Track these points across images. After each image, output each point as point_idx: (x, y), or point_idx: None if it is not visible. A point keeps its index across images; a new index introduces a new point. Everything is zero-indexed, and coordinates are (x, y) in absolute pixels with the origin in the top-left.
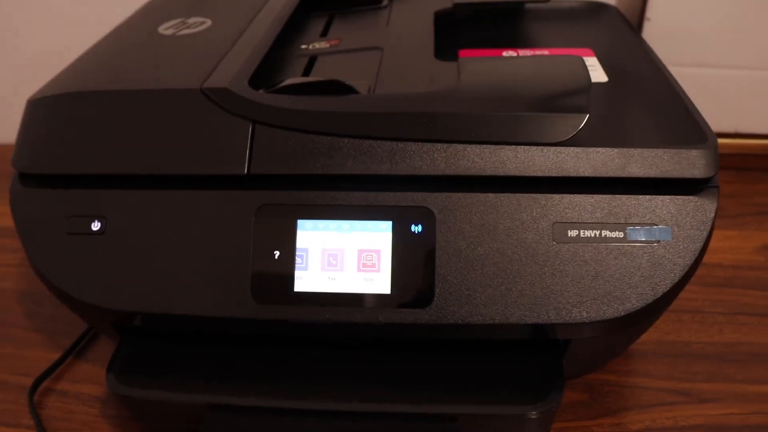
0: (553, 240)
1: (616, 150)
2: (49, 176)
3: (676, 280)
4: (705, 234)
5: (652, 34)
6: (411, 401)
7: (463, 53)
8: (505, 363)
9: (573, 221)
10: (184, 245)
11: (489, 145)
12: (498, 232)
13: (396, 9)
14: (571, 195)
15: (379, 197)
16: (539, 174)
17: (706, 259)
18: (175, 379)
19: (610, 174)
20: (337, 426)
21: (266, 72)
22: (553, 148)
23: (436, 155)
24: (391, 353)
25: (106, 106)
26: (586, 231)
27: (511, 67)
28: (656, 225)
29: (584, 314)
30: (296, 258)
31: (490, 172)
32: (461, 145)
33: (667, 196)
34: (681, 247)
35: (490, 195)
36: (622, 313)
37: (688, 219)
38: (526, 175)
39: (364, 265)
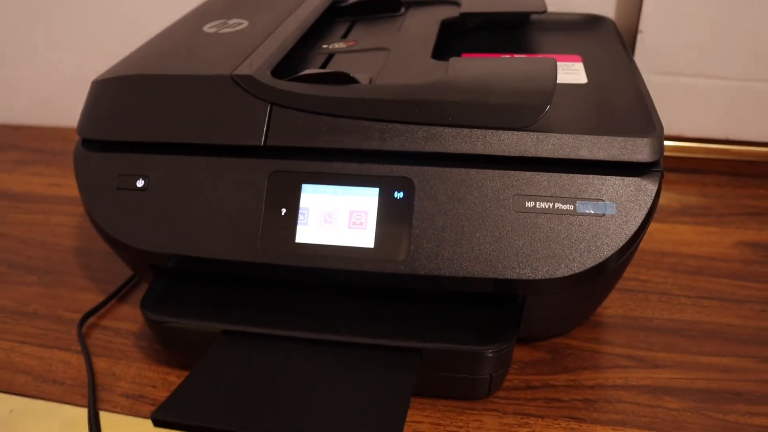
0: (513, 209)
1: (571, 135)
2: (106, 142)
3: (618, 248)
4: (645, 211)
5: (644, 45)
6: (385, 336)
7: (466, 56)
8: (469, 313)
9: (531, 194)
10: (210, 201)
11: (463, 128)
12: (467, 201)
13: (409, 16)
14: (530, 172)
15: (369, 168)
16: (504, 153)
17: (683, 249)
18: (195, 310)
19: (565, 156)
20: (322, 352)
21: (291, 65)
22: (517, 133)
23: (418, 135)
24: (373, 300)
25: (154, 87)
26: (541, 203)
27: (492, 66)
28: (603, 201)
29: (537, 272)
30: (299, 215)
31: (462, 150)
32: (440, 127)
33: (615, 177)
34: (623, 221)
35: (462, 170)
36: (568, 273)
37: (631, 197)
38: (493, 154)
39: (354, 223)
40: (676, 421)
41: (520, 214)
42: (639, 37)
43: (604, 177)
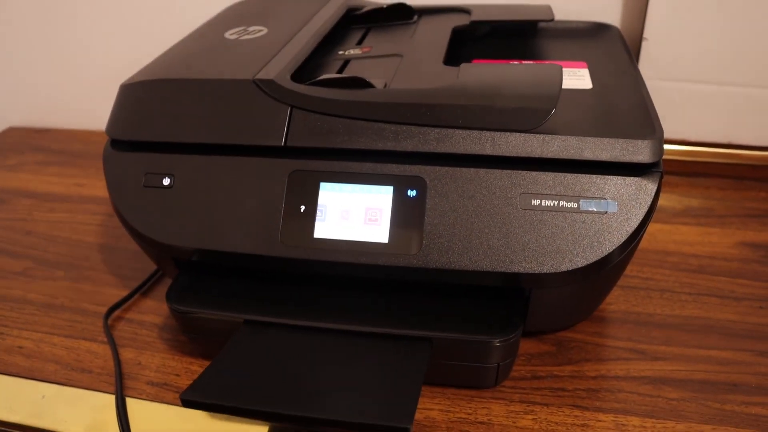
0: (520, 207)
1: (575, 138)
2: (133, 142)
3: (619, 244)
4: (645, 209)
5: (649, 52)
6: (398, 326)
7: (476, 62)
8: (478, 306)
9: (537, 192)
10: (233, 198)
11: (473, 130)
12: (476, 199)
13: (422, 24)
14: (537, 172)
15: (384, 167)
16: (511, 154)
17: (685, 249)
18: (218, 302)
19: (569, 156)
20: (338, 341)
21: (309, 69)
22: (524, 135)
23: (430, 136)
24: (386, 292)
25: (180, 90)
26: (547, 201)
27: (500, 71)
28: (605, 199)
29: (543, 267)
30: (317, 212)
31: (472, 151)
32: (451, 129)
33: (617, 177)
34: (625, 218)
35: (472, 169)
36: (572, 268)
37: (632, 196)
38: (501, 154)
39: (369, 219)
40: (675, 410)
41: (526, 211)
42: (644, 44)
43: (606, 177)
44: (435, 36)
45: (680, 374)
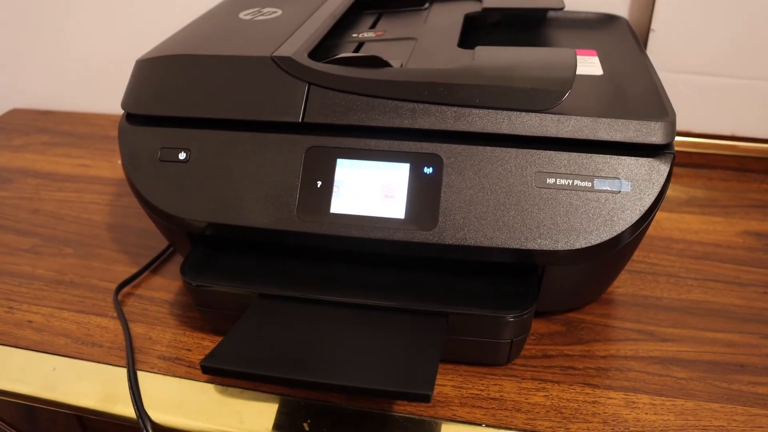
0: (535, 185)
1: (590, 118)
2: (149, 117)
3: (632, 223)
4: (658, 189)
5: (656, 43)
6: (414, 300)
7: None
8: (492, 283)
9: (552, 171)
10: (249, 173)
11: (489, 110)
12: (492, 177)
13: (434, 10)
14: (552, 151)
15: (401, 145)
16: (527, 133)
17: (690, 237)
18: (233, 275)
19: (584, 137)
20: (354, 315)
21: (323, 50)
22: (539, 114)
23: (447, 115)
24: (402, 268)
25: (197, 66)
26: (561, 179)
27: (516, 54)
28: (619, 179)
29: (557, 244)
30: (334, 187)
31: (489, 129)
32: (467, 108)
33: (630, 157)
34: (638, 197)
35: (488, 148)
36: (586, 245)
37: (645, 175)
38: (517, 134)
39: (386, 195)
40: (684, 388)
41: (541, 189)
42: (651, 35)
43: (620, 157)
44: (448, 21)
45: (688, 355)
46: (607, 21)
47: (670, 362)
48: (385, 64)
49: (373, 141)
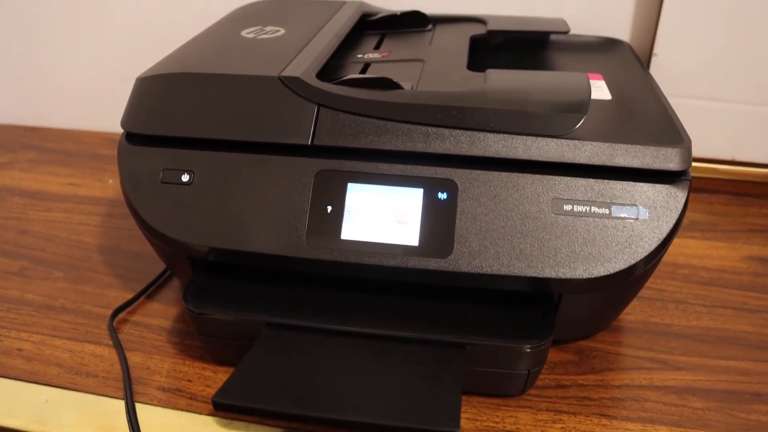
0: (552, 212)
1: (607, 144)
2: (150, 136)
3: (651, 250)
4: (676, 216)
5: (658, 68)
6: (429, 330)
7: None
8: (507, 311)
9: (568, 198)
10: (256, 197)
11: (504, 134)
12: (507, 203)
13: (438, 32)
14: (569, 177)
15: (414, 169)
16: (544, 159)
17: (694, 262)
18: (238, 303)
19: (601, 162)
20: (368, 346)
21: (329, 71)
22: (556, 140)
23: (462, 139)
24: (414, 296)
25: (202, 85)
26: (578, 206)
27: (528, 77)
28: (636, 205)
29: (573, 272)
30: (345, 212)
31: (504, 155)
32: (482, 132)
33: (647, 184)
34: (655, 225)
35: (504, 173)
36: (605, 273)
37: (662, 202)
38: (533, 159)
39: (398, 221)
40: (701, 419)
41: (558, 216)
42: (653, 60)
43: (637, 183)
44: (454, 43)
45: (703, 384)
46: (609, 45)
47: (686, 392)
48: (396, 86)
49: (385, 165)
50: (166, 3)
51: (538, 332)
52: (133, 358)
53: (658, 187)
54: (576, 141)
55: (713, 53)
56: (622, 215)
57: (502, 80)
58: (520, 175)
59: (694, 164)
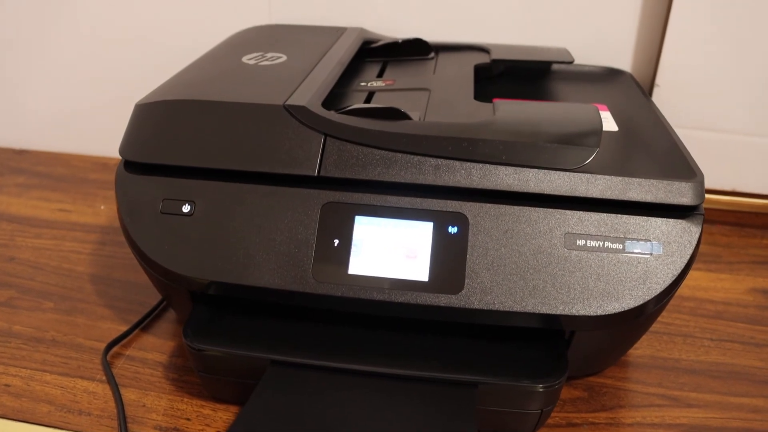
0: (564, 247)
1: (620, 178)
2: (150, 165)
3: (665, 287)
4: (690, 251)
5: (660, 98)
6: (441, 369)
7: (497, 100)
8: (520, 348)
9: (581, 233)
10: (260, 230)
11: (516, 167)
12: (519, 238)
13: (441, 60)
14: (581, 212)
15: (424, 202)
16: (556, 193)
17: (699, 294)
18: (240, 339)
19: (615, 197)
20: (378, 385)
21: (333, 99)
22: (568, 173)
23: (472, 172)
24: (424, 333)
25: (204, 112)
26: (591, 241)
27: (538, 108)
28: (650, 240)
29: (587, 309)
30: (352, 246)
31: (516, 188)
32: (494, 165)
33: (661, 218)
34: (670, 260)
35: (515, 207)
36: (618, 310)
37: (676, 237)
38: (545, 193)
39: (408, 256)
40: None
41: (571, 251)
42: (655, 90)
43: (651, 218)
44: (458, 72)
45: (716, 422)
46: (612, 75)
47: (699, 430)
48: (404, 116)
49: (394, 197)
50: (157, 27)
51: (551, 371)
52: (128, 395)
53: (672, 222)
54: (589, 174)
55: (715, 84)
56: (637, 251)
57: (510, 111)
58: (532, 209)
59: None
